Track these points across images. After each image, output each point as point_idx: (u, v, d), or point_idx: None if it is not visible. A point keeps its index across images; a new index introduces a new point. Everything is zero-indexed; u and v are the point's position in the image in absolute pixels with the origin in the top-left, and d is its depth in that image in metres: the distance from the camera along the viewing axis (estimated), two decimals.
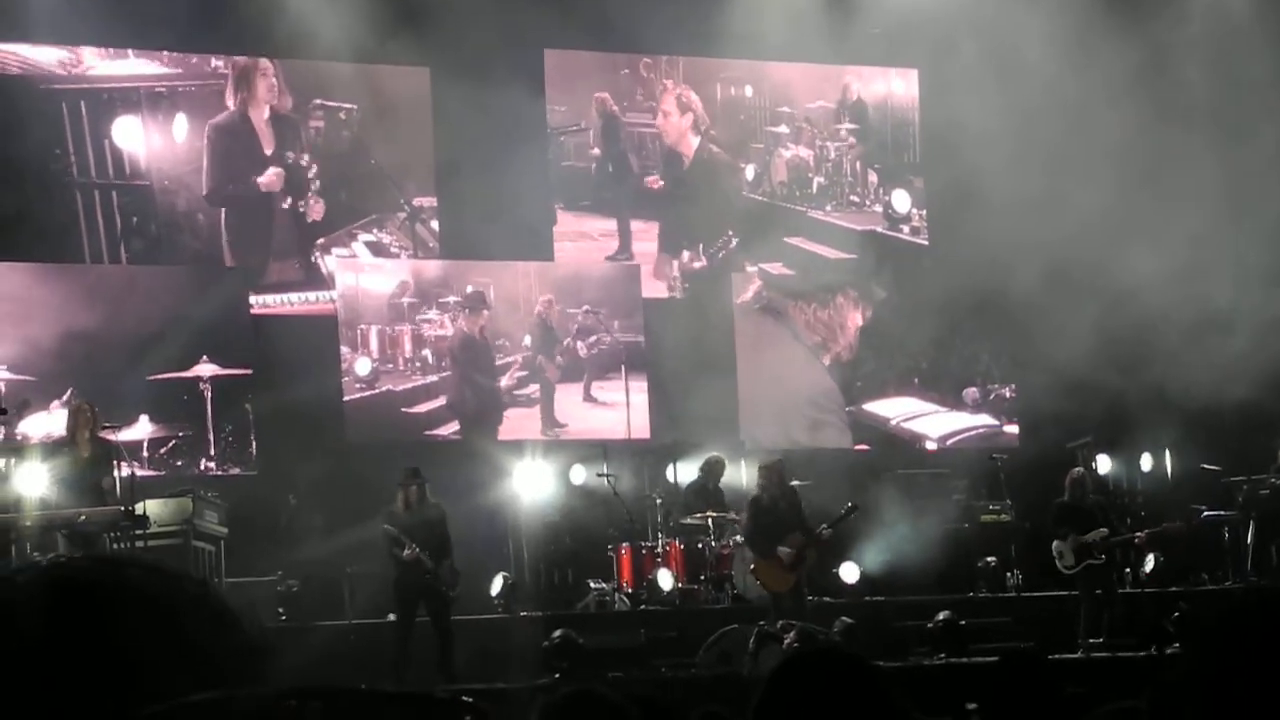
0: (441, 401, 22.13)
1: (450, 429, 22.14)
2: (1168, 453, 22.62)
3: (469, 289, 22.29)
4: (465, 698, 2.13)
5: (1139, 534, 19.60)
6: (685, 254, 23.53)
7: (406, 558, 17.19)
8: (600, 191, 23.27)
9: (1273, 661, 2.12)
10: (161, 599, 1.98)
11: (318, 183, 21.96)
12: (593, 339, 22.81)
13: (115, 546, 16.53)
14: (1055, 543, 19.04)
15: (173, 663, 1.96)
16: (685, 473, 21.07)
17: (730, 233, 23.66)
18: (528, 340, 22.55)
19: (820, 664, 3.32)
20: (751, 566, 18.89)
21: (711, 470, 20.70)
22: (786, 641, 16.65)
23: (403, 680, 16.41)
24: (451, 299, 22.29)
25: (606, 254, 23.33)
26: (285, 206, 21.80)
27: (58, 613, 1.97)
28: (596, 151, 23.26)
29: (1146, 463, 22.60)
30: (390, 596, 17.97)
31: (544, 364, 22.52)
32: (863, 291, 23.99)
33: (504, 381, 22.32)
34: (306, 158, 21.98)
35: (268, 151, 21.79)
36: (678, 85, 23.72)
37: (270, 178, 21.73)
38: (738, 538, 19.87)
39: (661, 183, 23.51)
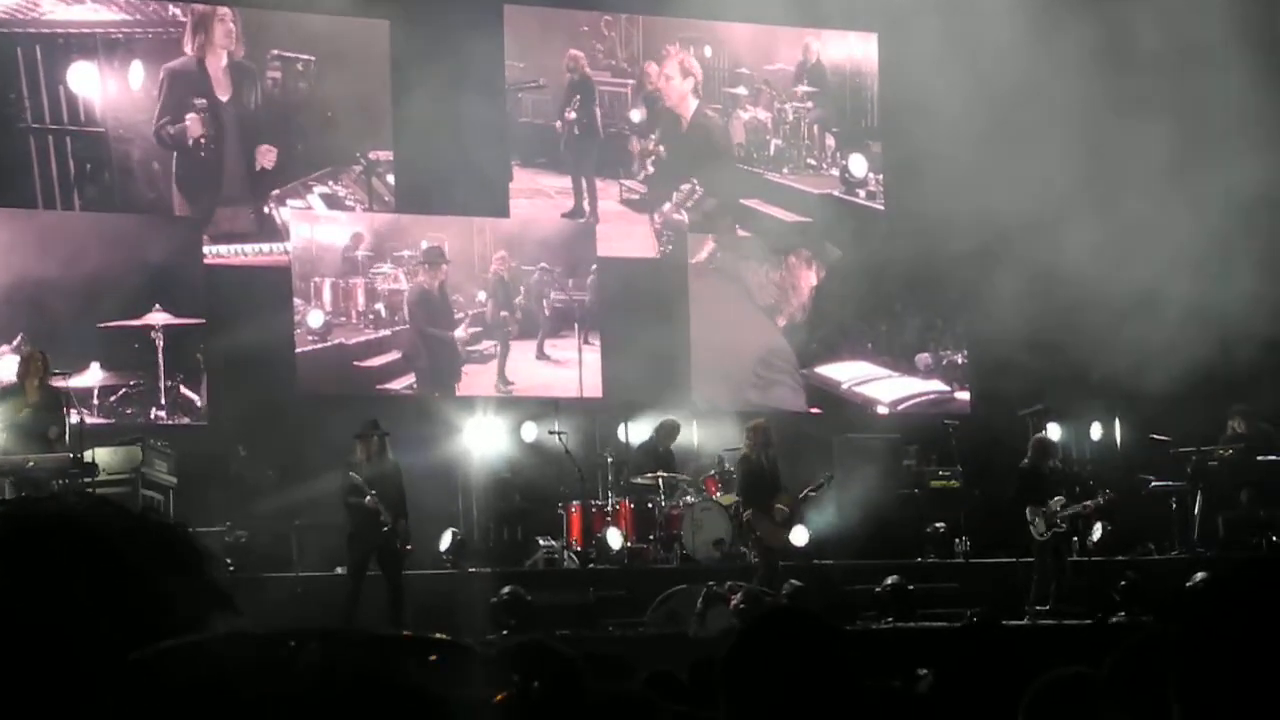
0: (395, 356, 22.07)
1: (404, 383, 22.09)
2: (1117, 422, 22.70)
3: (426, 244, 22.22)
4: (458, 639, 2.11)
5: (1087, 503, 19.67)
6: (666, 205, 23.51)
7: (368, 504, 17.10)
8: (562, 149, 23.20)
9: (1261, 632, 2.12)
10: (117, 538, 1.95)
11: (268, 132, 21.82)
12: (551, 296, 22.79)
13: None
14: (1029, 509, 19.07)
15: (125, 603, 1.93)
16: (637, 432, 21.09)
17: (694, 182, 23.64)
18: (482, 296, 22.50)
19: (787, 624, 3.32)
20: (747, 518, 18.92)
21: (665, 433, 20.78)
22: (733, 602, 16.71)
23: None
24: (406, 253, 22.22)
25: (563, 211, 23.27)
26: (234, 154, 21.65)
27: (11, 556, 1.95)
28: (571, 113, 23.16)
29: (1096, 431, 22.69)
30: (340, 549, 17.98)
31: (506, 320, 22.49)
32: (816, 251, 23.98)
33: (459, 334, 22.27)
34: (259, 105, 21.83)
35: (223, 98, 21.64)
36: (680, 50, 23.72)
37: (190, 121, 21.43)
38: (687, 498, 19.95)
39: (645, 142, 23.43)
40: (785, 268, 23.92)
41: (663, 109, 23.73)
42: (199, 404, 21.16)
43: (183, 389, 21.07)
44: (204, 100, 21.50)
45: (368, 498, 17.16)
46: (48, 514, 1.97)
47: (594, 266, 23.07)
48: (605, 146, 23.45)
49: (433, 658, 1.96)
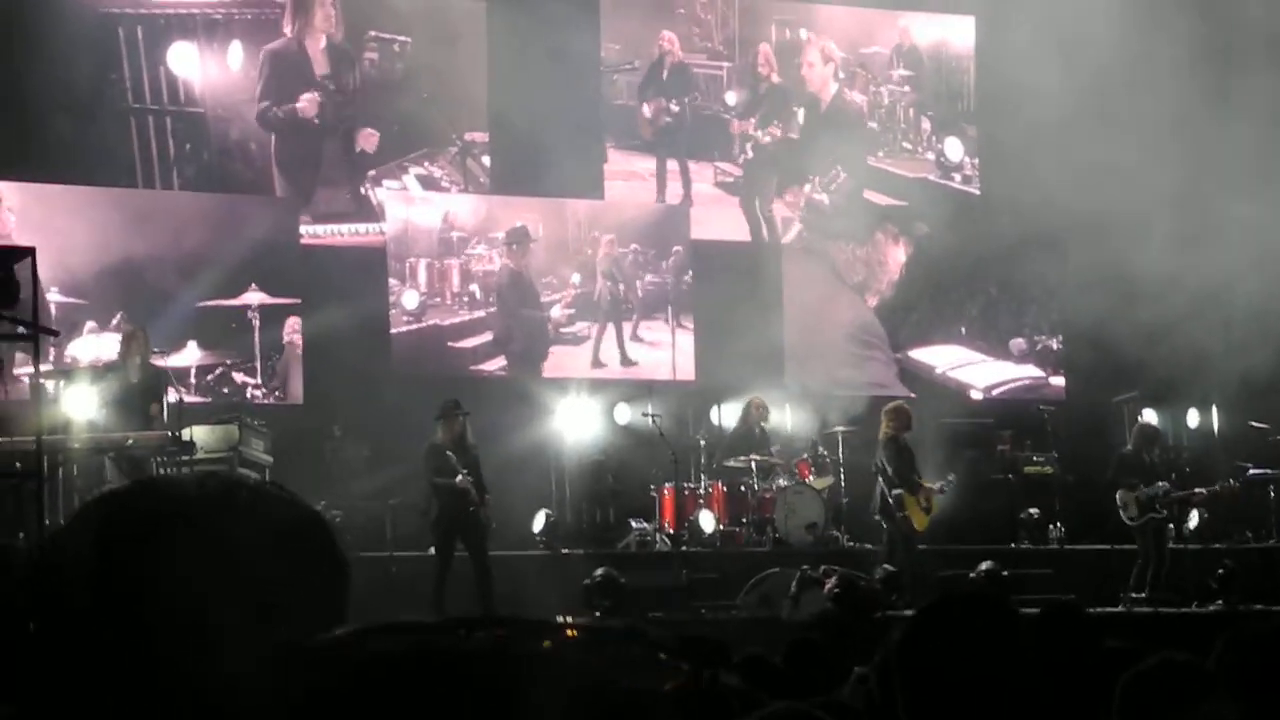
0: (488, 337, 22.13)
1: (496, 365, 22.15)
2: (1214, 409, 22.51)
3: (515, 224, 22.25)
4: (631, 622, 2.11)
5: (1199, 490, 19.55)
6: (805, 187, 23.56)
7: (459, 484, 17.13)
8: (650, 133, 23.20)
9: None
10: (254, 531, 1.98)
11: (366, 113, 21.93)
12: (647, 279, 22.80)
13: (162, 472, 16.61)
14: (1120, 492, 18.98)
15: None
16: (729, 415, 21.09)
17: (839, 167, 23.66)
18: (576, 278, 22.52)
19: (967, 607, 3.29)
20: (895, 498, 18.92)
21: (752, 413, 20.72)
22: (828, 586, 16.69)
23: (443, 613, 16.45)
24: (500, 234, 22.28)
25: (656, 194, 23.25)
26: (335, 136, 21.78)
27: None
28: (664, 100, 23.19)
29: (1193, 419, 22.51)
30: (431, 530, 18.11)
31: (615, 299, 22.57)
32: (903, 227, 23.81)
33: (553, 313, 22.30)
34: (358, 87, 21.93)
35: (322, 79, 21.76)
36: (819, 39, 23.75)
37: (304, 103, 21.65)
38: (780, 481, 19.91)
39: (745, 125, 23.43)
40: (872, 244, 23.81)
41: (804, 93, 23.73)
42: (295, 383, 21.26)
43: (279, 368, 21.20)
44: (314, 80, 21.62)
45: (459, 477, 17.20)
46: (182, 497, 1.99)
47: (687, 248, 23.02)
48: (701, 128, 23.42)
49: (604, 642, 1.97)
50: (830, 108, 23.92)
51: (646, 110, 23.13)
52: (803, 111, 23.80)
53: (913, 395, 23.33)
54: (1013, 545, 20.60)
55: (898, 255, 23.89)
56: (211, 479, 2.05)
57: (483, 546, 17.41)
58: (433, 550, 17.78)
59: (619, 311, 22.59)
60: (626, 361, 22.56)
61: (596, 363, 22.49)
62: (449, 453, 17.36)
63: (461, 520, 17.30)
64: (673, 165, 23.32)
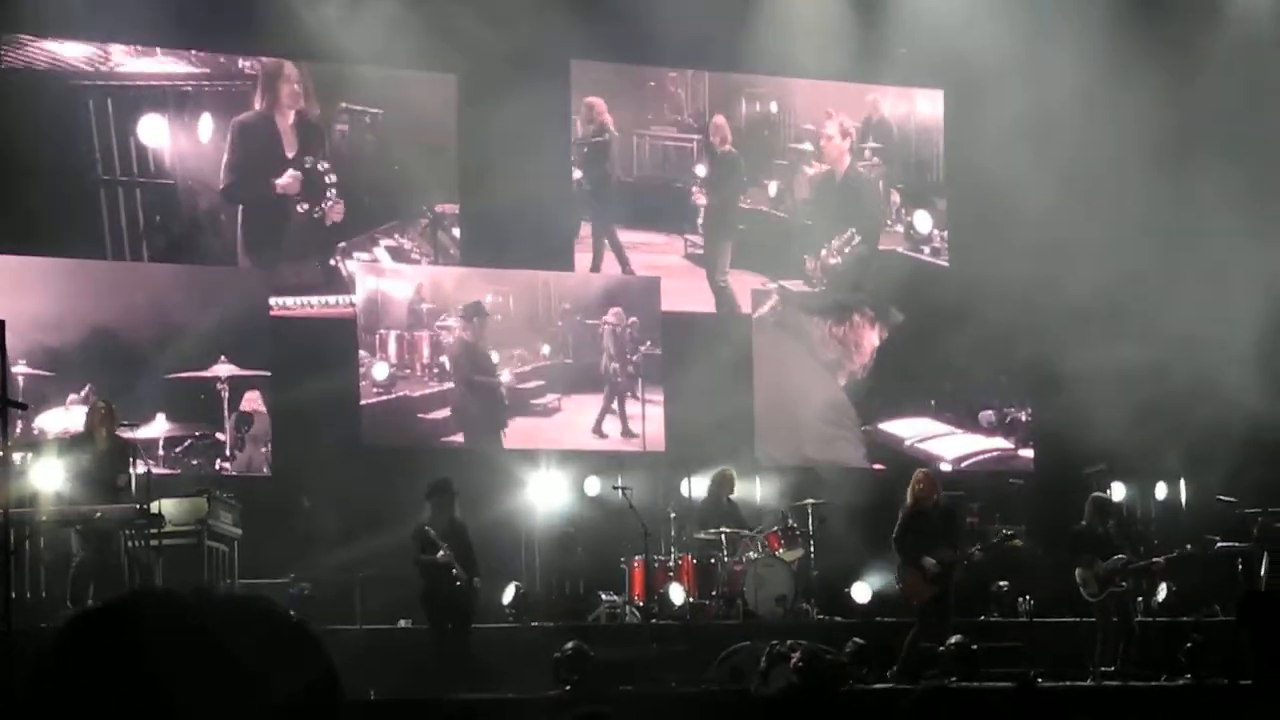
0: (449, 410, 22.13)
1: (458, 436, 22.13)
2: (1182, 482, 22.55)
3: (473, 300, 22.26)
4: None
5: (1156, 560, 19.55)
6: (822, 252, 23.85)
7: (441, 559, 17.28)
8: (579, 201, 23.31)
9: None
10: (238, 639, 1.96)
11: (338, 186, 21.95)
12: (614, 350, 22.85)
13: (130, 545, 16.55)
14: (1078, 570, 18.97)
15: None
16: (700, 487, 21.07)
17: (853, 230, 23.89)
18: (546, 349, 22.53)
19: (952, 702, 3.30)
20: (897, 574, 18.90)
21: (721, 484, 20.71)
22: (792, 661, 16.63)
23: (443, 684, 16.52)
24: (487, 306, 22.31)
25: (623, 266, 23.29)
26: (302, 209, 21.80)
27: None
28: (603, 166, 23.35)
29: (1161, 491, 22.54)
30: (403, 601, 18.14)
31: (617, 372, 22.62)
32: (879, 312, 23.98)
33: (504, 378, 22.26)
34: (327, 163, 21.97)
35: (290, 154, 21.81)
36: (838, 113, 24.05)
37: (288, 180, 21.74)
38: (750, 554, 19.88)
39: (702, 195, 23.56)
40: (849, 325, 23.89)
41: (820, 168, 24.09)
42: (264, 456, 21.22)
43: (247, 441, 21.15)
44: (289, 158, 21.66)
45: (440, 553, 17.29)
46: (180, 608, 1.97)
47: (658, 320, 23.06)
48: (670, 200, 23.50)
49: None
50: (845, 178, 24.12)
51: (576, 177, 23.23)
52: (775, 185, 23.88)
53: (882, 468, 23.38)
54: (982, 618, 20.56)
55: (872, 339, 23.96)
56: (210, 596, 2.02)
57: (465, 622, 17.60)
58: (405, 623, 17.83)
59: (616, 383, 22.67)
60: (628, 434, 22.60)
61: (599, 432, 22.51)
62: (430, 530, 17.42)
63: (447, 595, 17.35)
64: (645, 237, 23.39)
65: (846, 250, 24.02)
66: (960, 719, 3.24)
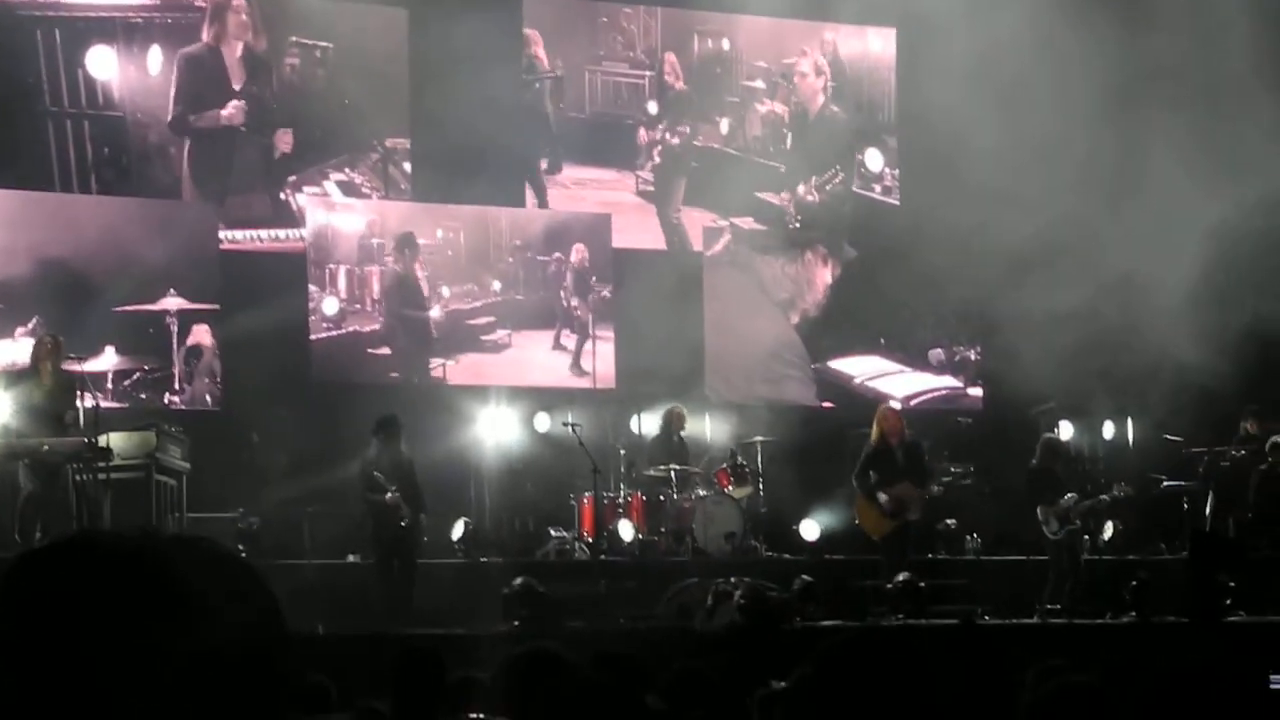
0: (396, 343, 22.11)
1: (392, 367, 22.10)
2: (1129, 421, 22.68)
3: (366, 234, 22.19)
4: None
5: (1118, 492, 19.65)
6: (800, 188, 23.90)
7: (389, 500, 17.31)
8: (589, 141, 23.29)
9: None
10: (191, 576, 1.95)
11: (288, 119, 21.82)
12: (569, 285, 22.85)
13: (78, 478, 16.51)
14: (1040, 508, 19.08)
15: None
16: (649, 424, 21.12)
17: (837, 167, 23.97)
18: (497, 285, 22.50)
19: (869, 648, 3.29)
20: (858, 501, 19.03)
21: (671, 421, 20.76)
22: (735, 598, 16.70)
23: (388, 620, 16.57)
24: (422, 241, 22.23)
25: (578, 202, 23.27)
26: (251, 141, 21.67)
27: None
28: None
29: (1108, 430, 22.67)
30: (351, 536, 18.18)
31: (579, 307, 22.63)
32: (832, 248, 24.00)
33: (434, 315, 22.21)
34: (272, 93, 21.83)
35: (236, 86, 21.66)
36: (813, 52, 23.95)
37: (231, 110, 21.57)
38: (699, 491, 19.95)
39: (653, 133, 23.51)
40: (801, 263, 23.92)
41: (795, 101, 24.09)
42: (213, 390, 21.15)
43: (196, 374, 21.08)
44: (234, 89, 21.52)
45: (388, 494, 17.31)
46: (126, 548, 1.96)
47: (610, 258, 23.05)
48: (622, 137, 23.46)
49: None
50: (818, 117, 24.10)
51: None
52: (727, 122, 23.86)
53: (831, 405, 23.45)
54: (930, 556, 20.67)
55: (825, 276, 24.00)
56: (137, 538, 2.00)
57: (410, 560, 17.56)
58: (354, 558, 17.86)
59: (575, 320, 22.72)
60: (578, 370, 22.65)
61: (578, 369, 22.54)
62: (376, 473, 17.44)
63: (393, 534, 17.38)
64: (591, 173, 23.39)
65: (828, 188, 24.03)
66: (880, 662, 3.23)
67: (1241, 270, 22.10)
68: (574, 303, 22.79)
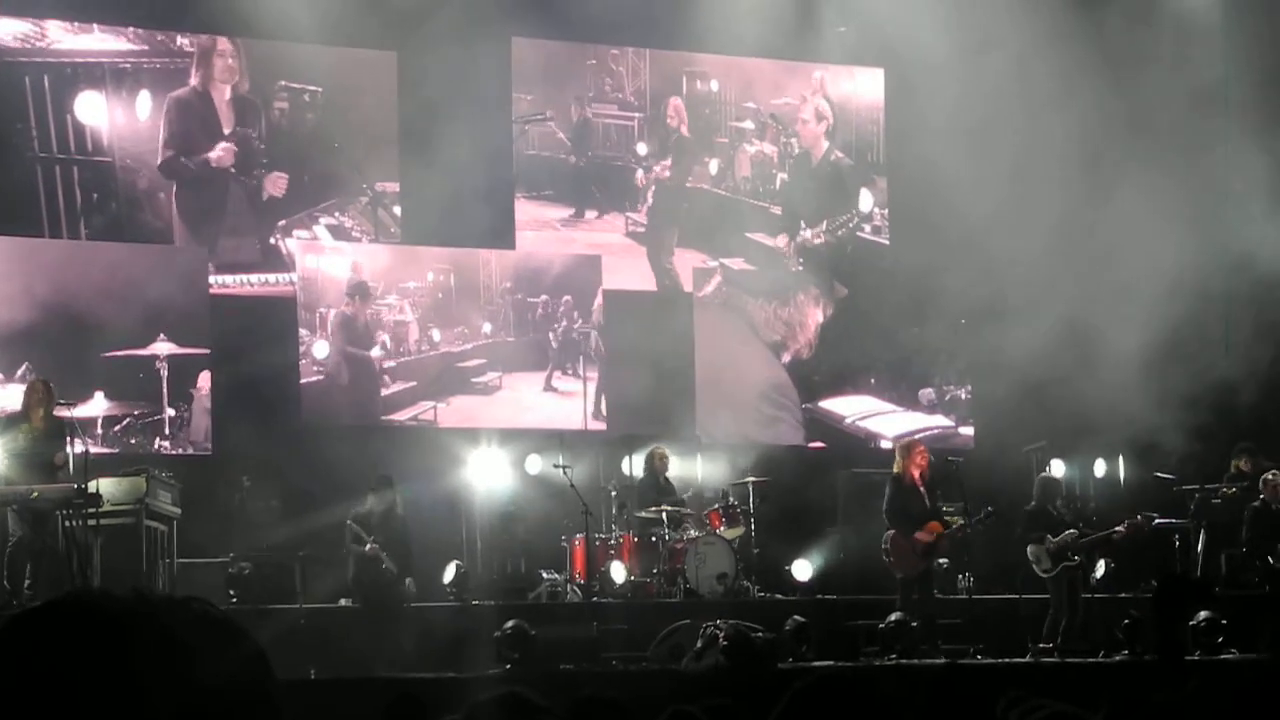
0: (397, 387, 22.07)
1: (407, 414, 22.08)
2: (1120, 460, 22.67)
3: (408, 279, 22.19)
4: None
5: (1118, 528, 19.62)
6: (805, 232, 24.03)
7: (368, 552, 17.44)
8: (577, 183, 23.33)
9: None
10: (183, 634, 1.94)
11: (278, 163, 21.85)
12: (560, 327, 22.85)
13: (68, 524, 16.47)
14: (1030, 547, 19.09)
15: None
16: (640, 465, 21.09)
17: (852, 211, 24.11)
18: (487, 328, 22.51)
19: (838, 690, 3.28)
20: (885, 545, 18.94)
21: (655, 462, 20.74)
22: (720, 638, 16.66)
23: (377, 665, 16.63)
24: (411, 284, 22.24)
25: (568, 244, 23.29)
26: (241, 185, 21.69)
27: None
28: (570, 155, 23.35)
29: (1100, 469, 22.66)
30: (342, 581, 18.22)
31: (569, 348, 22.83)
32: (824, 289, 24.02)
33: (375, 353, 22.18)
34: (265, 137, 21.86)
35: (226, 130, 21.69)
36: (815, 95, 24.10)
37: (221, 152, 21.60)
38: (691, 532, 19.91)
39: (649, 175, 23.56)
40: (794, 304, 23.92)
41: (799, 147, 24.19)
42: (203, 435, 21.13)
43: (187, 419, 21.06)
44: (223, 132, 21.54)
45: (367, 546, 17.40)
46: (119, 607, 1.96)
47: (599, 298, 23.07)
48: (612, 178, 23.49)
49: None
50: (821, 161, 24.24)
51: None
52: (716, 163, 23.90)
53: (822, 445, 23.43)
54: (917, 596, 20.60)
55: (816, 317, 24.00)
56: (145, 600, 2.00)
57: (391, 609, 17.76)
58: (346, 601, 17.89)
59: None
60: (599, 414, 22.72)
61: (599, 416, 22.68)
62: (352, 522, 17.81)
63: (374, 584, 17.55)
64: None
65: (840, 233, 24.07)
66: (846, 704, 3.23)
67: (1231, 310, 22.17)
68: (564, 344, 22.82)
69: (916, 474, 18.99)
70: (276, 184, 21.80)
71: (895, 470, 19.19)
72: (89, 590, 2.02)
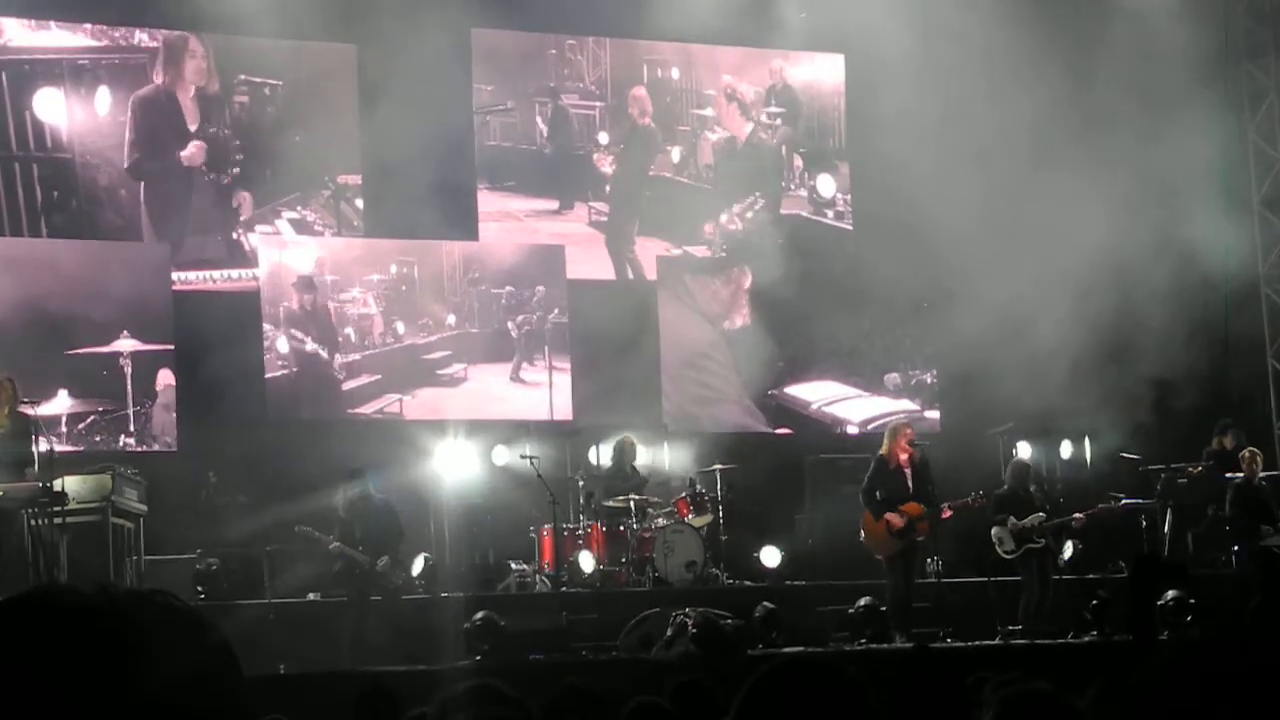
0: (364, 380, 22.03)
1: (373, 407, 22.04)
2: (1086, 441, 22.74)
3: (371, 272, 22.15)
4: None
5: (1077, 515, 19.68)
6: (723, 216, 23.85)
7: (333, 549, 17.49)
8: (539, 174, 23.28)
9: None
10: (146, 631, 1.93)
11: (240, 158, 21.79)
12: (521, 318, 22.82)
13: (33, 523, 16.39)
14: (994, 529, 19.13)
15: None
16: (608, 455, 21.09)
17: (758, 194, 23.98)
18: (451, 319, 22.48)
19: (802, 675, 3.26)
20: (861, 524, 18.94)
21: (624, 451, 20.73)
22: (689, 626, 16.66)
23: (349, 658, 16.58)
24: (375, 277, 22.20)
25: (531, 234, 23.27)
26: (208, 181, 21.63)
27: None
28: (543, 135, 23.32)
29: (1066, 450, 22.72)
30: (311, 576, 18.18)
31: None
32: (765, 274, 23.73)
33: (352, 351, 22.17)
34: (229, 131, 21.80)
35: (192, 127, 21.62)
36: (738, 79, 24.14)
37: (192, 150, 21.56)
38: (659, 521, 19.91)
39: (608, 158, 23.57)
40: (745, 290, 23.86)
41: (721, 131, 24.17)
42: (168, 431, 21.07)
43: (152, 416, 21.00)
44: (191, 131, 21.46)
45: (333, 544, 17.45)
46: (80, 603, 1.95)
47: (564, 288, 23.05)
48: (575, 167, 23.47)
49: None
50: (746, 144, 24.20)
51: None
52: (678, 151, 23.91)
53: (788, 432, 23.45)
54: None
55: (744, 284, 23.86)
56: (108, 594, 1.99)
57: (360, 600, 17.66)
58: (314, 595, 17.92)
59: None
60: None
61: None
62: (304, 527, 17.86)
63: (349, 576, 17.58)
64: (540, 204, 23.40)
65: (749, 215, 24.05)
66: (810, 693, 3.21)
67: (1194, 294, 22.27)
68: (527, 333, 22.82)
69: (903, 457, 18.91)
70: (240, 186, 21.71)
71: (881, 451, 19.12)
72: (54, 585, 2.01)
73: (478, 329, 22.60)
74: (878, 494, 18.74)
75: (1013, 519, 19.10)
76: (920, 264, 22.58)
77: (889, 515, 18.58)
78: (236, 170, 21.71)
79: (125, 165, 21.23)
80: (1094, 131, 22.60)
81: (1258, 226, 24.63)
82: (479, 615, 17.20)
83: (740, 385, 23.66)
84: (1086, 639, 18.21)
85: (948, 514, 18.99)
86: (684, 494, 20.55)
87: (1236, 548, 20.59)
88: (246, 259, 21.73)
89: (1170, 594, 18.42)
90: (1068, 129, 22.80)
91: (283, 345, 21.68)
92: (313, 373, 21.78)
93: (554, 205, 23.40)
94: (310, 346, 21.79)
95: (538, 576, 19.60)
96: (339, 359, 21.96)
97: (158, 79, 21.49)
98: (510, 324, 22.73)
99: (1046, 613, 18.85)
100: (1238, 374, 24.34)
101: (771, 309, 23.52)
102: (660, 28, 23.10)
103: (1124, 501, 21.48)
